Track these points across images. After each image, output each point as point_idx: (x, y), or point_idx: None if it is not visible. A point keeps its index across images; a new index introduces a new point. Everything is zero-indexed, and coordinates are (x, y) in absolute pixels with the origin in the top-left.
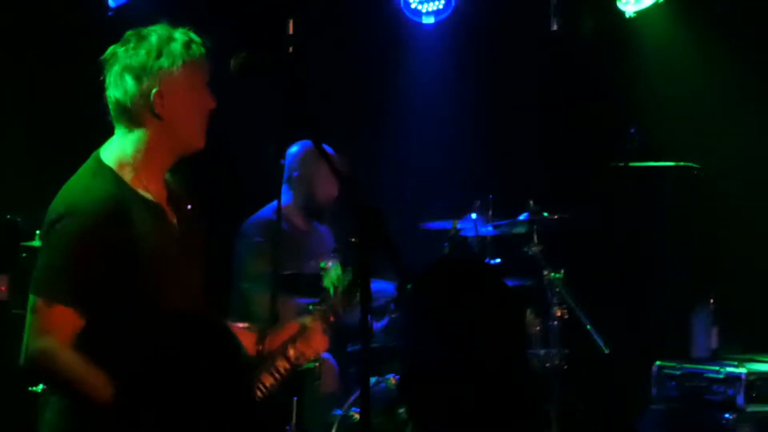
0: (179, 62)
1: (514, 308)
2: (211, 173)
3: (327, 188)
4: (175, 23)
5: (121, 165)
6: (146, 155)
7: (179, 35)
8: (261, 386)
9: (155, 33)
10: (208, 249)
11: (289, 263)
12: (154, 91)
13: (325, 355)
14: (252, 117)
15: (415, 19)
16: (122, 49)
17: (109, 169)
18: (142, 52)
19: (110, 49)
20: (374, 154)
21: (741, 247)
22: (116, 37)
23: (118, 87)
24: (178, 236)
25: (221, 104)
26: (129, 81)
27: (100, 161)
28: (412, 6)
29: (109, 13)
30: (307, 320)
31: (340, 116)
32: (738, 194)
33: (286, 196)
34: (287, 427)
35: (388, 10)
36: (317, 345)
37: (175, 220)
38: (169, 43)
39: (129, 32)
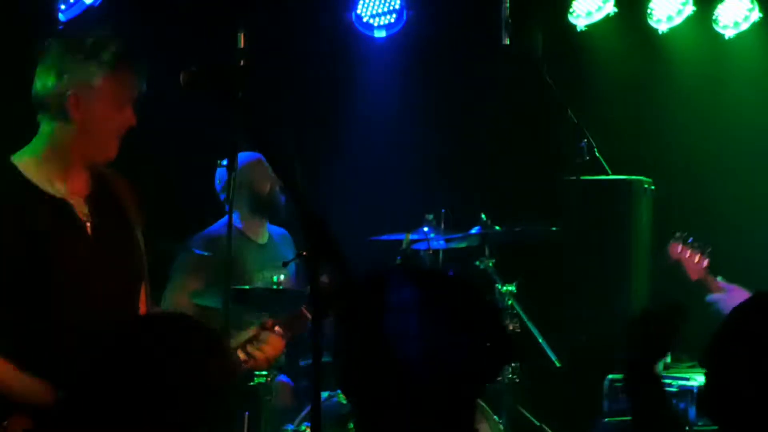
0: (103, 72)
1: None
2: (159, 187)
3: (269, 185)
4: (118, 36)
5: (28, 161)
6: (55, 152)
7: (113, 47)
8: None
9: (92, 40)
10: (134, 254)
11: (240, 277)
12: (69, 92)
13: (281, 377)
14: (202, 131)
15: (367, 32)
16: (57, 46)
17: (10, 165)
18: (73, 53)
19: (48, 42)
20: (325, 167)
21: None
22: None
23: (40, 80)
24: (89, 234)
25: (172, 119)
26: (51, 77)
27: (4, 158)
28: (364, 20)
29: (60, 27)
30: (267, 323)
31: (290, 129)
32: (688, 207)
33: (235, 213)
34: None
35: (339, 24)
36: (272, 349)
37: (87, 219)
38: (100, 52)
39: (73, 37)
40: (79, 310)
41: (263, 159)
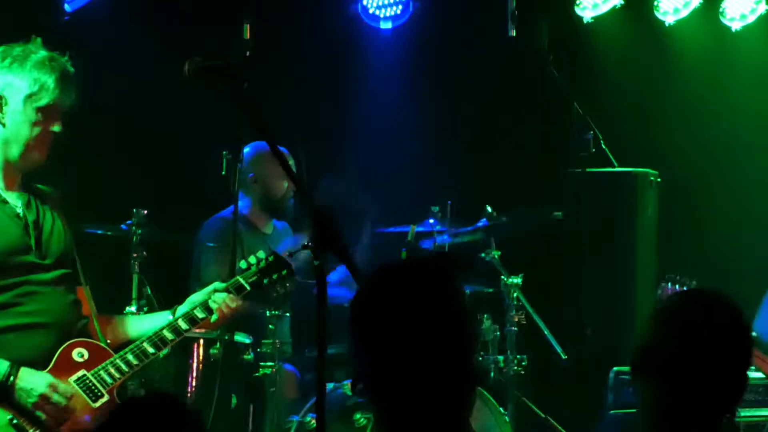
0: (28, 77)
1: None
2: (168, 178)
3: (281, 186)
4: (130, 32)
5: None
6: None
7: (39, 53)
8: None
9: (22, 46)
10: (69, 256)
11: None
12: None
13: (286, 365)
14: (207, 122)
15: (373, 24)
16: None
17: None
18: (6, 57)
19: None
20: (331, 158)
21: (700, 250)
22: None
23: None
24: (25, 225)
25: (177, 108)
26: None
27: None
28: (370, 11)
29: (65, 18)
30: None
31: (296, 121)
32: (694, 199)
33: (244, 200)
34: None
35: (346, 15)
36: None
37: (23, 214)
38: (26, 57)
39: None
40: (8, 294)
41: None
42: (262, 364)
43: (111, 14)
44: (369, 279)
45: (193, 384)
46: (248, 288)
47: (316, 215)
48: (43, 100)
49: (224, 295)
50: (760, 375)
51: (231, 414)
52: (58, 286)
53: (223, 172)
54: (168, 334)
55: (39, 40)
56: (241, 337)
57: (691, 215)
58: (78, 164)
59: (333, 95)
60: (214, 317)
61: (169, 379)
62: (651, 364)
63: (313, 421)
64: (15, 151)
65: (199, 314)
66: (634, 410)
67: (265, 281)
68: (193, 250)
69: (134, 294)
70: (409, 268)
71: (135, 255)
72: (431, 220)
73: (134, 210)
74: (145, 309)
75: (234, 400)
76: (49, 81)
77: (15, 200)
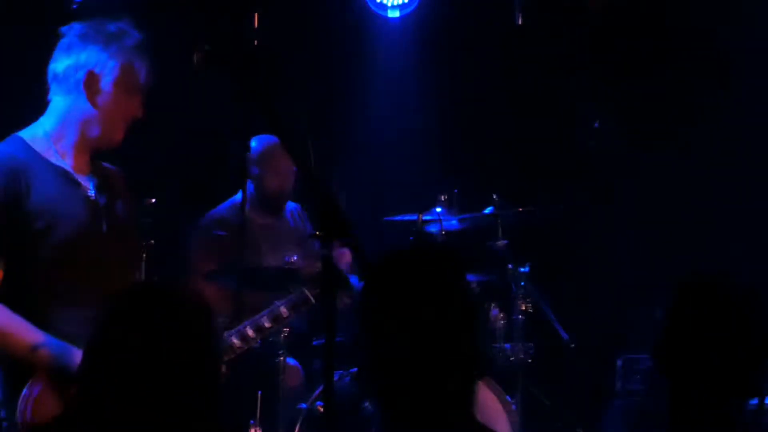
0: (120, 58)
1: (467, 296)
2: (174, 167)
3: (278, 184)
4: (140, 20)
5: (34, 135)
6: (64, 129)
7: (132, 37)
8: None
9: (116, 25)
10: (133, 239)
11: (249, 257)
12: (88, 69)
13: (289, 360)
14: (215, 111)
15: (381, 12)
16: (80, 28)
17: (18, 137)
18: (94, 37)
19: (70, 25)
20: (339, 146)
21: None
22: None
23: (60, 58)
24: (96, 209)
25: (185, 99)
26: (72, 56)
27: (12, 135)
28: (378, 0)
29: (74, 6)
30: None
31: (304, 109)
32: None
33: (248, 191)
34: (251, 422)
35: (353, 4)
36: None
37: (92, 195)
38: (121, 39)
39: (97, 17)
40: (75, 278)
41: (280, 148)
42: (271, 352)
43: (119, 3)
44: (375, 267)
45: None
46: (313, 301)
47: (323, 203)
48: (135, 85)
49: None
50: None
51: (240, 402)
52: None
53: (229, 163)
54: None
55: (129, 19)
56: None
57: (693, 201)
58: None
59: (340, 84)
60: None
61: None
62: (667, 351)
63: (322, 409)
64: (96, 131)
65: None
66: (641, 398)
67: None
68: (191, 240)
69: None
70: (415, 257)
71: (143, 243)
72: (438, 209)
73: (142, 199)
74: None
75: (242, 389)
76: (143, 66)
77: (86, 183)
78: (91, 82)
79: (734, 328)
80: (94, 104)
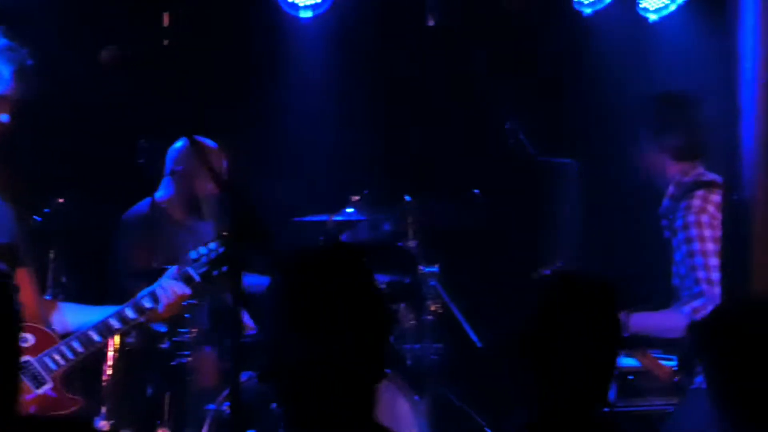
0: None
1: (374, 297)
2: (88, 167)
3: (207, 184)
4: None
5: None
6: None
7: (3, 43)
8: None
9: None
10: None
11: (169, 256)
12: None
13: (206, 348)
14: (125, 111)
15: (293, 12)
16: None
17: None
18: None
19: None
20: (251, 148)
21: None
22: None
23: None
24: None
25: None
26: None
27: None
28: (290, 0)
29: None
30: None
31: (215, 110)
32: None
33: (168, 190)
34: (158, 422)
35: (264, 4)
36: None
37: None
38: None
39: None
40: None
41: (215, 149)
42: (178, 353)
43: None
44: (281, 268)
45: (108, 372)
46: (197, 278)
47: (237, 206)
48: None
49: (171, 282)
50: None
51: (147, 403)
52: None
53: (140, 161)
54: (114, 323)
55: (2, 27)
56: (156, 326)
57: (610, 203)
58: None
59: (251, 85)
60: (160, 306)
61: None
62: (526, 349)
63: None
64: None
65: (147, 304)
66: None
67: (215, 272)
68: (114, 243)
69: (49, 283)
70: (322, 257)
71: (51, 243)
72: (349, 209)
73: (49, 198)
74: (60, 298)
75: (149, 390)
76: (5, 71)
77: None
78: None
79: (590, 323)
80: None
